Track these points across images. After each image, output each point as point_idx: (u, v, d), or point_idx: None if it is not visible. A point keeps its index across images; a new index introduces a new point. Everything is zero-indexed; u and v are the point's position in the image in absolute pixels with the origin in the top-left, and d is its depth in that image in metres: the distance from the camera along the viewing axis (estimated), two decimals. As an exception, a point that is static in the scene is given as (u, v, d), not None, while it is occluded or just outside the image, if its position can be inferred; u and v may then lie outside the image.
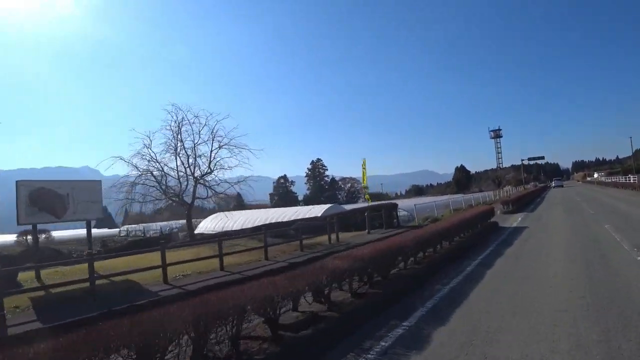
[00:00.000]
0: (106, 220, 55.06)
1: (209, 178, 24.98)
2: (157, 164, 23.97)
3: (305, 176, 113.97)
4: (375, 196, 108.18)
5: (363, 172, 24.58)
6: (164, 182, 24.45)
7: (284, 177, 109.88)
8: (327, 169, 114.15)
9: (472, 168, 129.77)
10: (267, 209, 40.99)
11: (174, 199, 24.77)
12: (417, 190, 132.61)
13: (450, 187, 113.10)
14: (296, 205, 53.28)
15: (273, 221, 27.73)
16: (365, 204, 27.64)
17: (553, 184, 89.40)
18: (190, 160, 24.72)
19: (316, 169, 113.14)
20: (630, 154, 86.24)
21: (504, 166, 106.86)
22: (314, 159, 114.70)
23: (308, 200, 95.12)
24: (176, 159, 24.56)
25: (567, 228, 16.14)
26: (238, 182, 25.75)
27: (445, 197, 46.41)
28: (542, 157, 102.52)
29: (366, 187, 24.21)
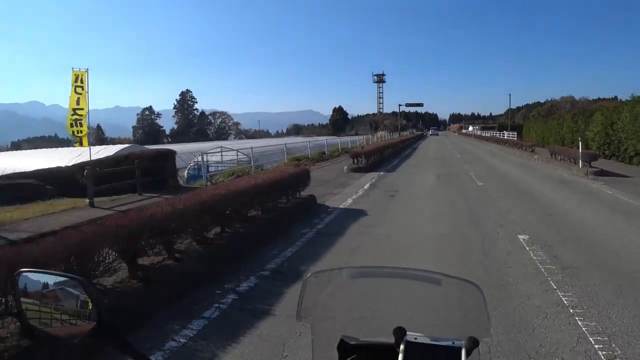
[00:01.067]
0: None
1: None
2: None
3: (174, 109, 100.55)
4: (250, 134, 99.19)
5: (76, 96, 10.66)
6: None
7: (149, 108, 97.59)
8: (196, 101, 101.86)
9: (355, 111, 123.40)
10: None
11: None
12: (296, 130, 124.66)
13: (327, 128, 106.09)
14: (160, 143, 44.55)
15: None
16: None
17: (430, 132, 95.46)
18: None
19: (185, 101, 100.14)
20: (502, 112, 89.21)
21: (384, 112, 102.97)
22: (184, 90, 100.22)
23: (175, 135, 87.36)
24: None
25: (441, 230, 7.20)
26: None
27: (316, 139, 38.23)
28: (421, 104, 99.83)
29: (77, 119, 10.45)
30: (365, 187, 12.14)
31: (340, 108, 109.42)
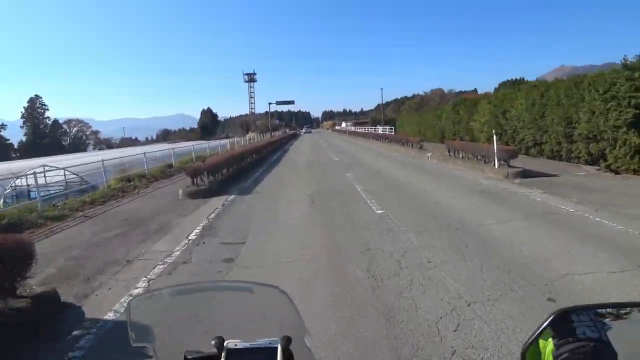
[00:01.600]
0: None
1: None
2: None
3: (22, 118, 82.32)
4: (112, 144, 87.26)
5: None
6: None
7: (-9, 118, 74.81)
8: (47, 109, 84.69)
9: (228, 113, 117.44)
10: None
11: None
12: (165, 136, 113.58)
13: (195, 132, 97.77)
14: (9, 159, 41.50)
15: None
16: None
17: (303, 130, 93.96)
18: None
19: (34, 109, 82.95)
20: (373, 107, 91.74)
21: (257, 112, 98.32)
22: (33, 96, 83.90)
23: (26, 149, 72.67)
24: None
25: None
26: None
27: (183, 144, 34.77)
28: (292, 102, 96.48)
29: None
30: (192, 236, 6.42)
31: (209, 110, 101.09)
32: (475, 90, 68.06)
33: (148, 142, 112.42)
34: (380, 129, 43.37)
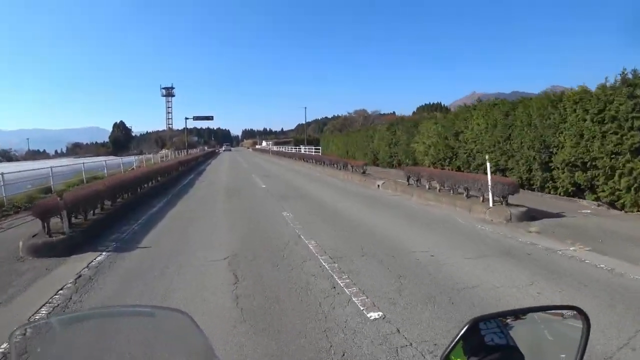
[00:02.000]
0: None
1: None
2: None
3: None
4: (11, 156, 75.23)
5: None
6: None
7: None
8: None
9: (144, 127, 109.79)
10: None
11: None
12: (74, 149, 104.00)
13: (106, 146, 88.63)
14: None
15: None
16: None
17: (223, 148, 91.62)
18: None
19: None
20: (293, 127, 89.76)
21: (175, 128, 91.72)
22: None
23: None
24: None
25: None
26: None
27: (92, 160, 30.64)
28: (211, 118, 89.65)
29: None
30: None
31: (122, 123, 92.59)
32: (393, 113, 69.08)
33: (58, 155, 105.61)
34: (303, 149, 40.54)
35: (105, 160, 21.80)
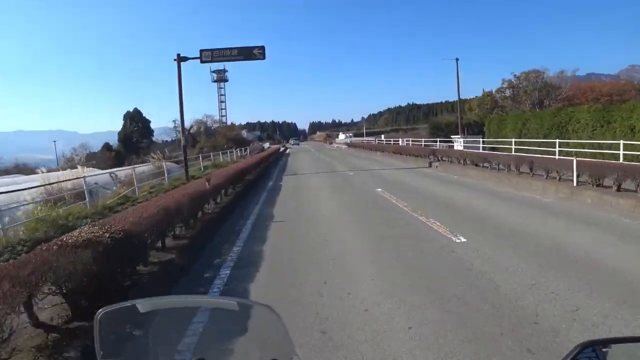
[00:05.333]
0: None
1: None
2: None
3: None
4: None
5: None
6: None
7: None
8: None
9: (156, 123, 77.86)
10: None
11: None
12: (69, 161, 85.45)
13: (115, 150, 57.84)
14: None
15: None
16: None
17: (291, 142, 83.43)
18: None
19: None
20: (359, 118, 78.02)
21: (228, 121, 70.87)
22: None
23: None
24: None
25: None
26: None
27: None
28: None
29: None
30: None
31: (137, 113, 66.02)
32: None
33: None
34: (457, 142, 24.74)
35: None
